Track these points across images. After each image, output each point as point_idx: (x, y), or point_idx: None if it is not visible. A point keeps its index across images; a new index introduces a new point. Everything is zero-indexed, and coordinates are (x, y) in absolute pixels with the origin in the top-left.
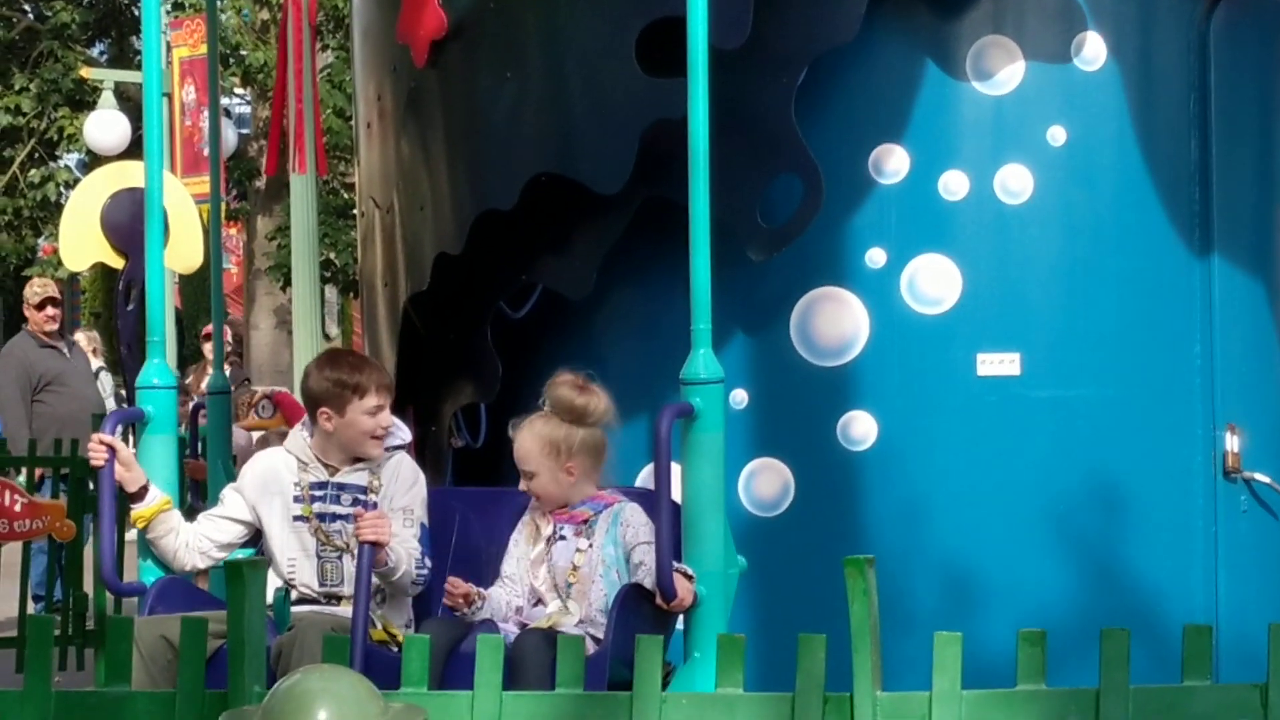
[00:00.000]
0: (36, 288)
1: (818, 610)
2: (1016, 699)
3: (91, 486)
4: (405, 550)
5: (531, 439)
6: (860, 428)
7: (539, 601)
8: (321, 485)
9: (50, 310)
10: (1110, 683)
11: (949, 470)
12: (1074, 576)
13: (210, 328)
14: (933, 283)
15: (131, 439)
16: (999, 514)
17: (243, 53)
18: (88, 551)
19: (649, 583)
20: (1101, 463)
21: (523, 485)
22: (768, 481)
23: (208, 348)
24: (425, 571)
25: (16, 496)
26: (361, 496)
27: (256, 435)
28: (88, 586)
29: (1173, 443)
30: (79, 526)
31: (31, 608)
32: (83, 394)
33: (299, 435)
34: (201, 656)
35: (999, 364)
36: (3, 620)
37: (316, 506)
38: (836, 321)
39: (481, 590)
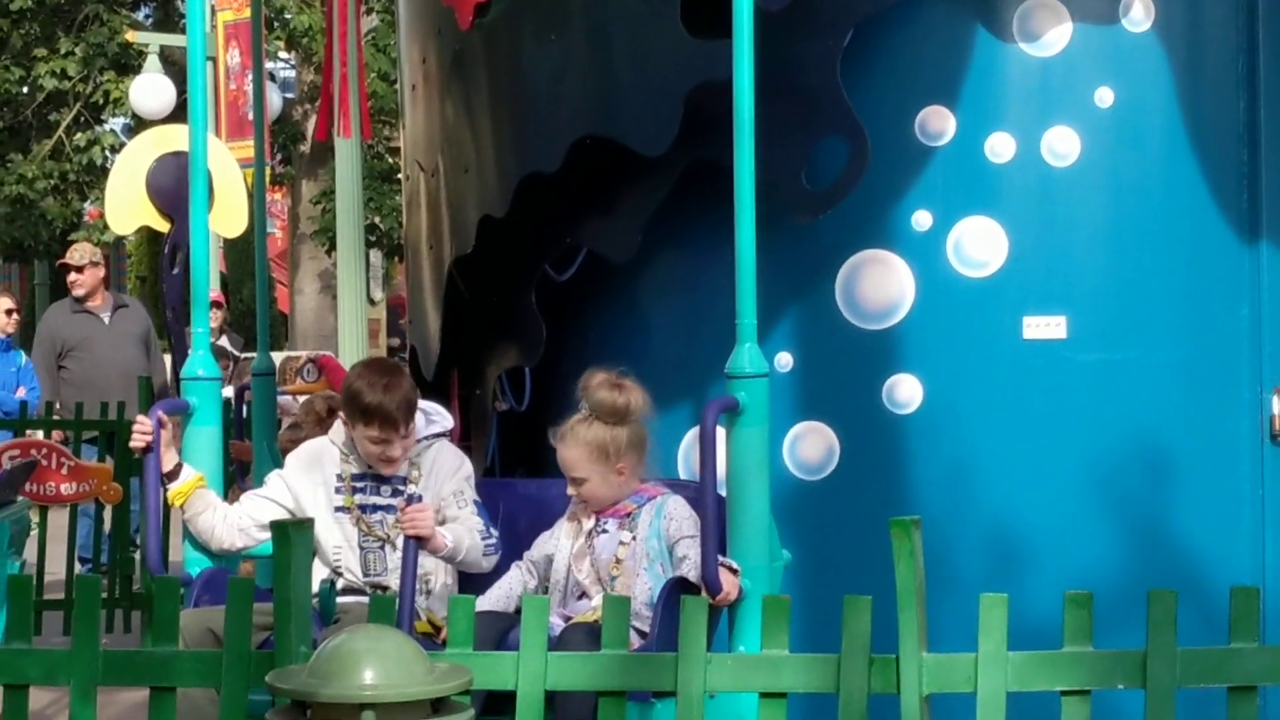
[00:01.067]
0: (68, 254)
1: (863, 573)
2: (1063, 661)
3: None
4: (465, 528)
5: (578, 446)
6: (906, 391)
7: (583, 595)
8: (362, 476)
9: (71, 276)
10: (1157, 644)
11: (994, 433)
12: (1120, 539)
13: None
14: (979, 245)
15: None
16: (1044, 477)
17: (287, 16)
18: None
19: (694, 576)
20: (1147, 426)
21: (571, 490)
22: (812, 445)
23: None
24: (493, 540)
25: (63, 460)
26: (401, 487)
27: (301, 398)
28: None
29: (1219, 406)
30: (125, 490)
31: (78, 569)
32: (109, 359)
33: (341, 426)
34: (248, 616)
35: (1045, 327)
36: (51, 583)
37: (358, 498)
38: (882, 284)
39: None
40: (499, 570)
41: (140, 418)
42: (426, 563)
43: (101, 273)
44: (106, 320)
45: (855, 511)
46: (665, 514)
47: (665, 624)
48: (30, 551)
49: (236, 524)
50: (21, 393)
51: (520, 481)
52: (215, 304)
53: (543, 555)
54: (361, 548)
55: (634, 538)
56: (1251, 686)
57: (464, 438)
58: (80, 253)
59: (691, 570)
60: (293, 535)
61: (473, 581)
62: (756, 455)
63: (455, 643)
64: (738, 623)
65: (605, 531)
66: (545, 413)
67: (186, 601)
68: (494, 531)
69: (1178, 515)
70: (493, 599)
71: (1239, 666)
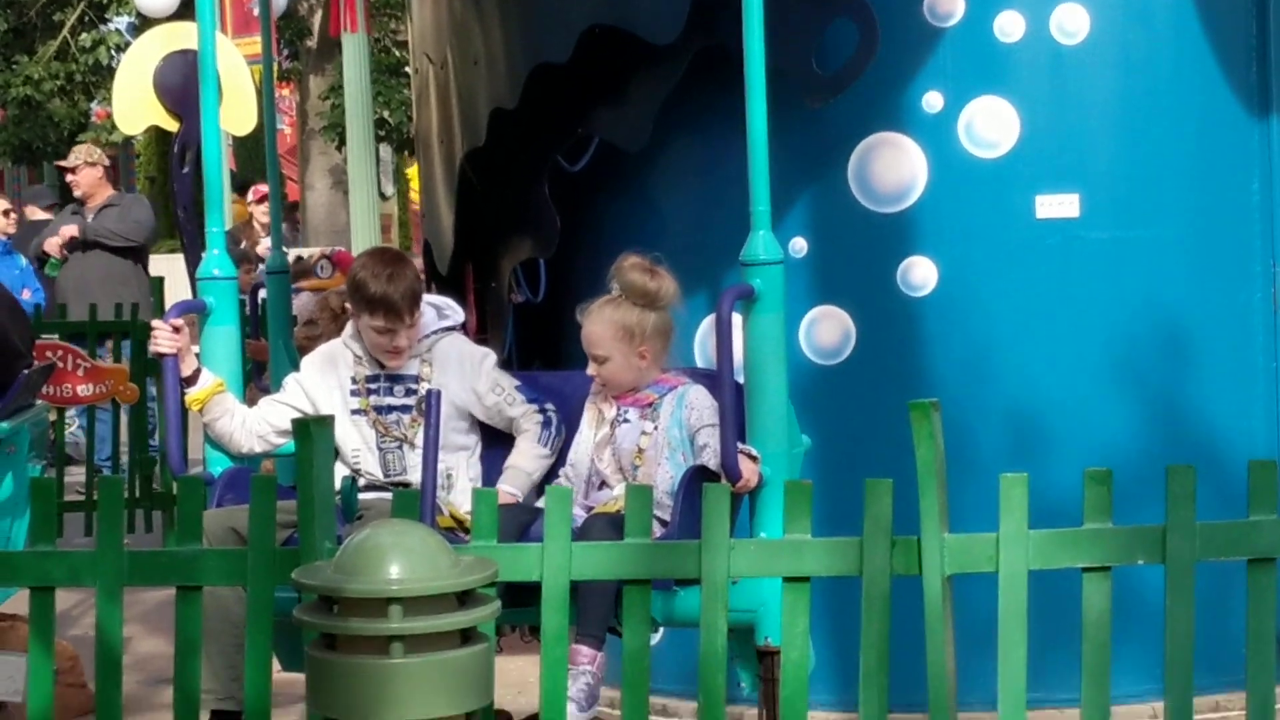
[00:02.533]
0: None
1: (882, 456)
2: (1083, 538)
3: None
4: (524, 458)
5: (603, 324)
6: (920, 273)
7: (604, 485)
8: (375, 378)
9: (69, 177)
10: (1176, 519)
11: (1010, 314)
12: (1137, 417)
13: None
14: (990, 125)
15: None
16: (1061, 356)
17: None
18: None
19: (714, 465)
20: (1161, 302)
21: (592, 370)
22: (828, 330)
23: (259, 210)
24: (551, 420)
25: (79, 362)
26: (414, 386)
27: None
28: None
29: (1232, 281)
30: (142, 389)
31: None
32: (88, 262)
33: (352, 327)
34: (271, 514)
35: (1058, 206)
36: (70, 484)
37: (372, 399)
38: (894, 167)
39: None
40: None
41: (157, 322)
42: (449, 459)
43: (97, 173)
44: (90, 220)
45: (873, 395)
46: (687, 403)
47: (686, 513)
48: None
49: (254, 430)
50: (27, 295)
51: (539, 374)
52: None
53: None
54: (380, 449)
55: (656, 427)
56: (1270, 558)
57: (480, 331)
58: (75, 154)
59: (712, 459)
60: (314, 432)
61: (496, 478)
62: (773, 342)
63: (479, 535)
64: (758, 509)
65: (627, 421)
66: (561, 304)
67: (209, 502)
68: (548, 406)
69: (1194, 391)
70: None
71: (1258, 539)
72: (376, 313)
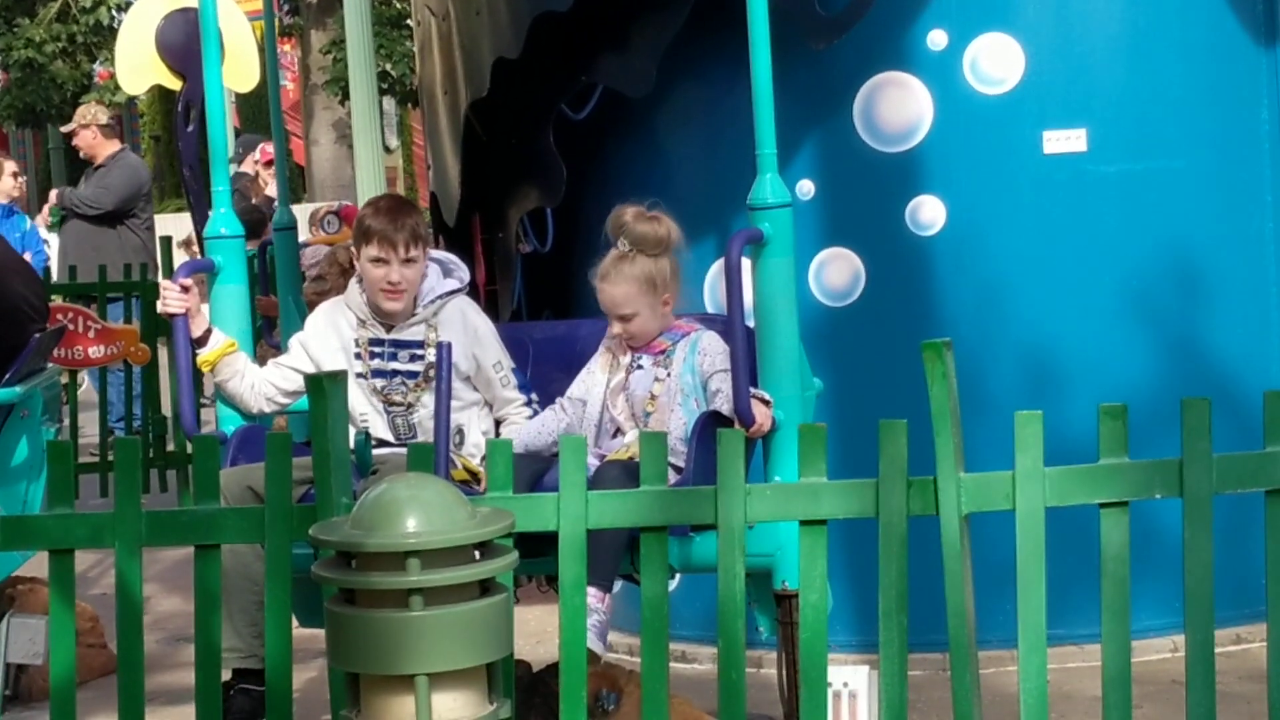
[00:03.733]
0: None
1: (895, 397)
2: (1100, 474)
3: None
4: (514, 391)
5: (626, 282)
6: (928, 212)
7: (617, 432)
8: (379, 342)
9: (74, 141)
10: (1192, 452)
11: (1021, 251)
12: (1151, 351)
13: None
14: (995, 62)
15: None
16: (1073, 292)
17: None
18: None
19: (727, 410)
20: (1172, 235)
21: (617, 329)
22: (838, 271)
23: (266, 173)
24: (534, 399)
25: (90, 323)
26: (419, 351)
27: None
28: (165, 410)
29: (1244, 211)
30: (153, 350)
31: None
32: (82, 225)
33: (355, 288)
34: (287, 471)
35: (1066, 140)
36: (83, 445)
37: (375, 364)
38: (900, 106)
39: None
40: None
41: (165, 282)
42: (459, 414)
43: (90, 134)
44: (82, 184)
45: (884, 336)
46: (699, 349)
47: (700, 458)
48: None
49: (263, 392)
50: (28, 258)
51: (548, 324)
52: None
53: (580, 395)
54: (388, 413)
55: (669, 374)
56: None
57: (489, 282)
58: (75, 117)
59: (725, 404)
60: (328, 388)
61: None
62: (783, 285)
63: (495, 486)
64: (772, 453)
65: (641, 368)
66: (569, 253)
67: (223, 461)
68: (534, 396)
69: (1208, 323)
70: (528, 435)
71: (1275, 470)
72: (371, 241)
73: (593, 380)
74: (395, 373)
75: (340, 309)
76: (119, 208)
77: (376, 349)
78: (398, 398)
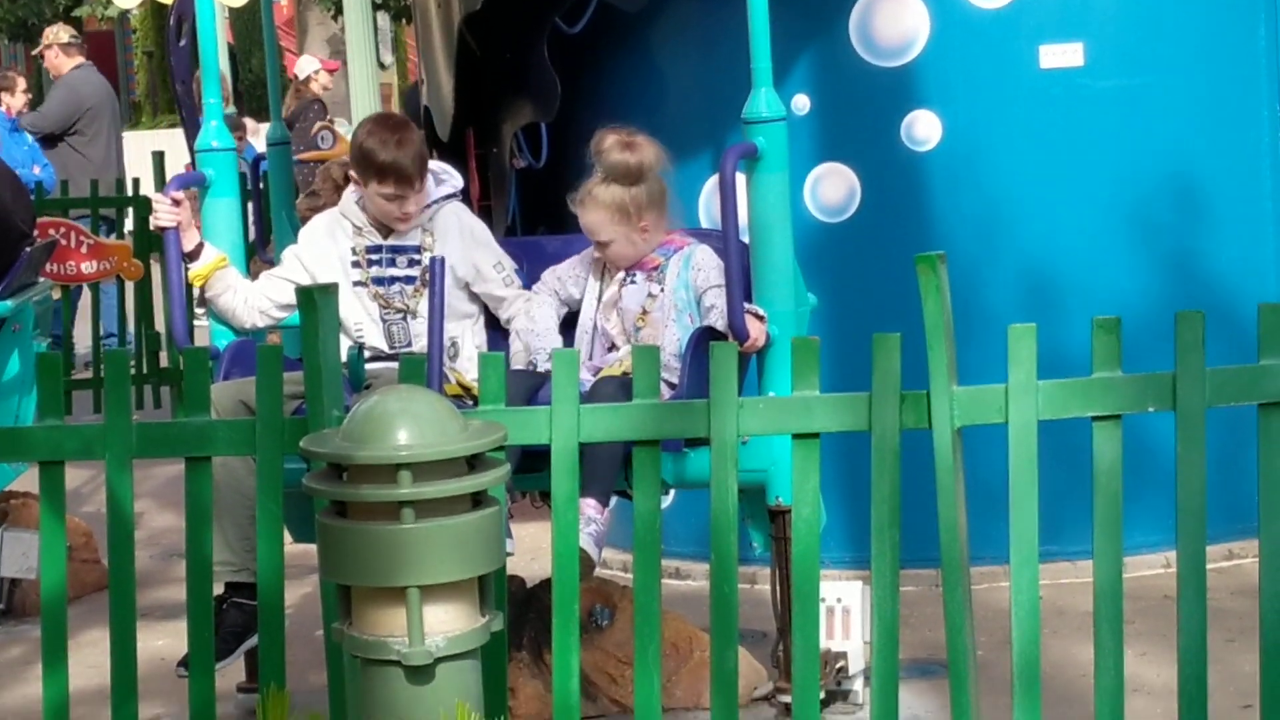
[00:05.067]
0: None
1: (890, 314)
2: (1093, 387)
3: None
4: (521, 326)
5: (598, 210)
6: (924, 128)
7: (611, 347)
8: (376, 249)
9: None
10: (1186, 366)
11: (1017, 166)
12: (1146, 266)
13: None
14: None
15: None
16: (1069, 207)
17: None
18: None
19: (721, 326)
20: (1169, 150)
21: (597, 254)
22: (833, 187)
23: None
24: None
25: (83, 239)
26: (416, 256)
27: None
28: (158, 325)
29: (1240, 125)
30: (146, 266)
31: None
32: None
33: (351, 198)
34: (278, 383)
35: (1062, 55)
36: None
37: (373, 271)
38: (896, 20)
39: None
40: None
41: (157, 195)
42: (453, 327)
43: (52, 54)
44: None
45: (879, 252)
46: (693, 265)
47: (694, 374)
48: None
49: (256, 305)
50: (37, 171)
51: (544, 239)
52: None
53: (566, 292)
54: (384, 320)
55: (662, 289)
56: None
57: (483, 198)
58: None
59: (719, 319)
60: (318, 300)
61: (502, 345)
62: (778, 200)
63: (487, 400)
64: (766, 369)
65: (633, 283)
66: (564, 168)
67: (215, 375)
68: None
69: (1203, 238)
70: (529, 336)
71: (1269, 384)
72: (386, 180)
73: (585, 290)
74: (394, 279)
75: (335, 219)
76: (57, 129)
77: (374, 256)
78: (398, 303)
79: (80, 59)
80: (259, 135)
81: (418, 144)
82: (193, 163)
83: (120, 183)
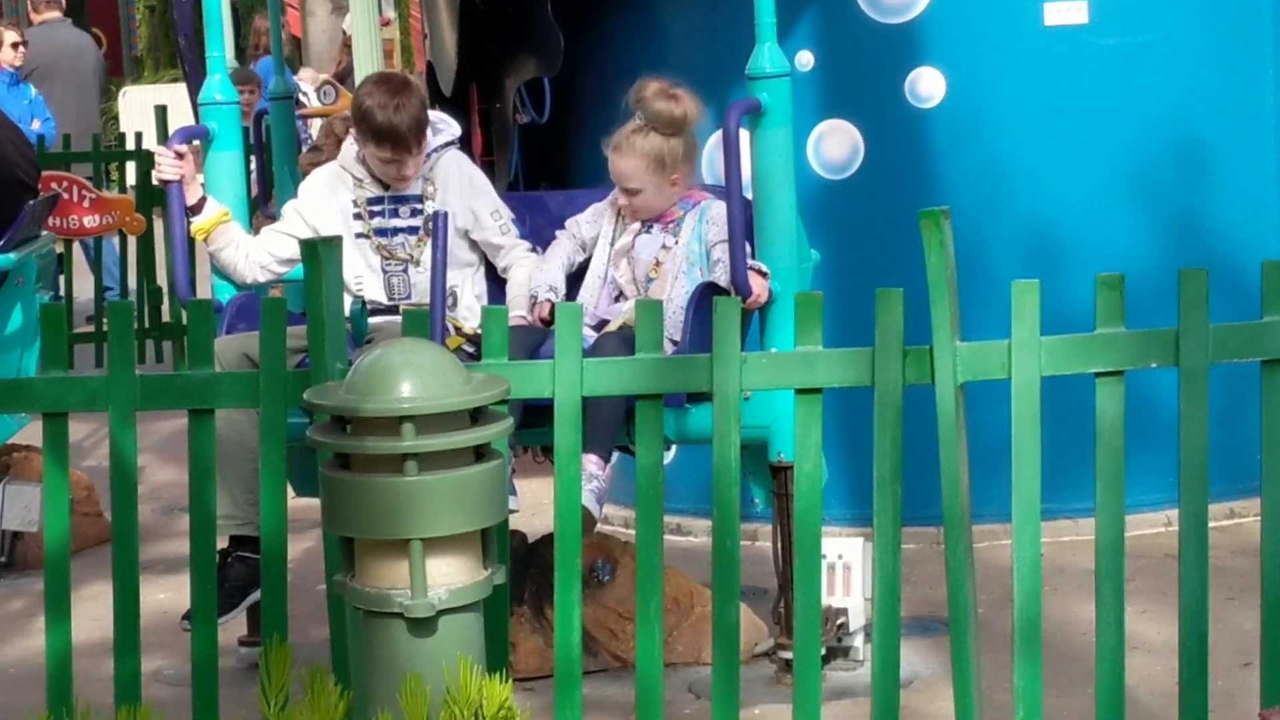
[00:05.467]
0: None
1: (892, 270)
2: (1096, 343)
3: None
4: (523, 273)
5: (634, 157)
6: (927, 85)
7: (619, 296)
8: (378, 200)
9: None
10: (1189, 322)
11: (1020, 123)
12: (1150, 224)
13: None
14: None
15: None
16: (1072, 165)
17: None
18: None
19: (725, 281)
20: (1173, 107)
21: (623, 201)
22: (836, 143)
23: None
24: (537, 251)
25: (84, 193)
26: (419, 206)
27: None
28: (160, 280)
29: (1244, 83)
30: (148, 220)
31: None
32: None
33: (351, 151)
34: (282, 336)
35: (1066, 12)
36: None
37: (375, 222)
38: None
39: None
40: None
41: (160, 148)
42: (453, 276)
43: (30, 9)
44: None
45: (882, 209)
46: (707, 218)
47: (696, 329)
48: None
49: (258, 260)
50: (37, 125)
51: (546, 195)
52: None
53: (583, 234)
54: (384, 272)
55: (677, 242)
56: None
57: (486, 153)
58: None
59: (724, 274)
60: (322, 253)
61: (503, 296)
62: (781, 157)
63: (490, 354)
64: (768, 325)
65: (649, 233)
66: (566, 124)
67: (218, 329)
68: (535, 247)
69: (1207, 196)
70: (553, 264)
71: (1272, 340)
72: (384, 144)
73: (600, 234)
74: (397, 230)
75: (336, 172)
76: None
77: (376, 208)
78: (401, 254)
79: (51, 14)
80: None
81: (416, 107)
82: (196, 117)
83: (97, 139)
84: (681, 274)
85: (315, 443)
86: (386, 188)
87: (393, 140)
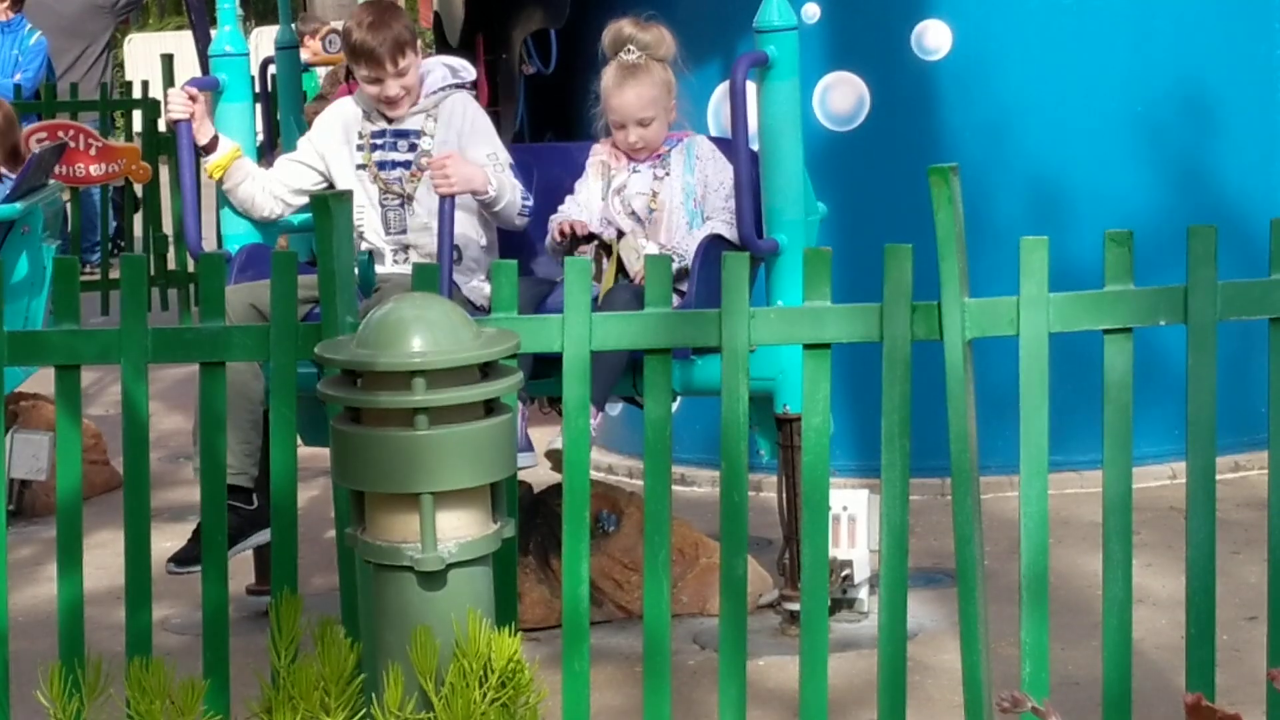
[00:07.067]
0: None
1: (900, 224)
2: (1105, 300)
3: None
4: (508, 180)
5: (648, 85)
6: (935, 37)
7: (618, 235)
8: (380, 134)
9: None
10: (1198, 279)
11: (1028, 77)
12: (1158, 179)
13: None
14: None
15: None
16: (1080, 118)
17: None
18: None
19: (729, 233)
20: (1181, 61)
21: (633, 136)
22: (843, 96)
23: None
24: (529, 203)
25: (91, 141)
26: (418, 141)
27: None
28: (166, 228)
29: (1253, 38)
30: (154, 169)
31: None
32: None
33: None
34: (293, 290)
35: None
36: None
37: (376, 155)
38: None
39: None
40: (532, 234)
41: (173, 91)
42: (460, 230)
43: None
44: None
45: (889, 162)
46: (696, 154)
47: (703, 283)
48: None
49: (273, 192)
50: (18, 78)
51: (552, 146)
52: None
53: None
54: (382, 205)
55: (667, 174)
56: None
57: (492, 104)
58: None
59: (724, 228)
60: (333, 206)
61: (511, 250)
62: (788, 109)
63: (499, 308)
64: (774, 279)
65: (638, 172)
66: (572, 75)
67: (228, 279)
68: (530, 195)
69: (1216, 151)
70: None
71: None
72: (359, 61)
73: (588, 191)
74: (394, 163)
75: (347, 104)
76: None
77: (378, 140)
78: (396, 189)
79: None
80: None
81: (395, 29)
82: (203, 67)
83: (105, 88)
84: (679, 206)
85: (326, 397)
86: (390, 121)
87: (367, 57)
